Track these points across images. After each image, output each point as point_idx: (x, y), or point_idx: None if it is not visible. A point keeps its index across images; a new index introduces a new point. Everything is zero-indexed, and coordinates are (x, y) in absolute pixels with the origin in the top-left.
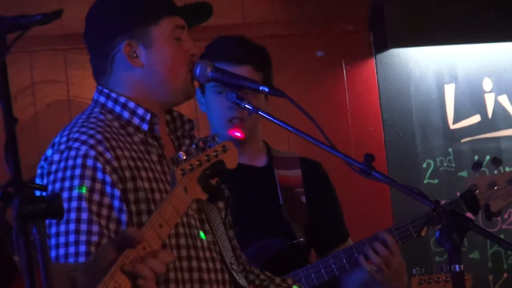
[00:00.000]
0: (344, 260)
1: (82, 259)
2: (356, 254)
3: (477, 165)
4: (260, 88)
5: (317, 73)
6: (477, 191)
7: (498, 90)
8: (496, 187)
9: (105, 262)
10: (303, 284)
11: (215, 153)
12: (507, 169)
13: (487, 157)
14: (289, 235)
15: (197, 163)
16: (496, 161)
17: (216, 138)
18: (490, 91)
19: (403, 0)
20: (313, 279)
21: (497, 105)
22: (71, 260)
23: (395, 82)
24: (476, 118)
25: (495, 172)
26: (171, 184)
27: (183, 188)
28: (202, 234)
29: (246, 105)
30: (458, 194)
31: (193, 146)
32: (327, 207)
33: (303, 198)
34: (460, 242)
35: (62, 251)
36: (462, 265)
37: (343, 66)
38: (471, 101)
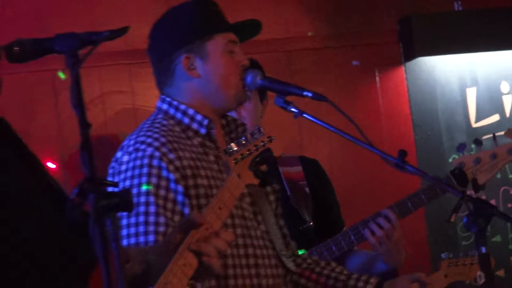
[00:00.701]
0: (352, 237)
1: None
2: (362, 230)
3: (461, 146)
4: (304, 93)
5: (353, 81)
6: (464, 168)
7: None
8: (481, 163)
9: (174, 243)
10: None
11: (262, 143)
12: None
13: None
14: (299, 221)
15: (247, 152)
16: (477, 142)
17: (262, 130)
18: (508, 93)
19: (428, 14)
20: (326, 255)
21: None
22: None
23: (422, 87)
24: (495, 117)
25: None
26: (226, 172)
27: (237, 175)
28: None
29: (292, 109)
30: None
31: (243, 138)
32: (326, 198)
33: (307, 189)
34: (485, 227)
35: (133, 240)
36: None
37: (376, 74)
38: (490, 102)
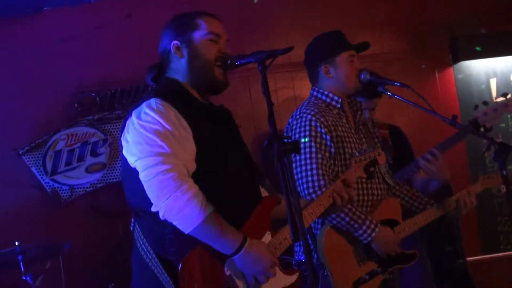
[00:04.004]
0: (413, 166)
1: (314, 171)
2: (418, 161)
3: (475, 107)
4: (395, 83)
5: (422, 76)
6: (478, 119)
7: None
8: (487, 115)
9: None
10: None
11: (373, 155)
12: None
13: None
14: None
15: (363, 158)
16: (485, 103)
17: (378, 145)
18: None
19: (466, 36)
20: (400, 179)
21: None
22: (309, 173)
23: (464, 79)
24: (508, 96)
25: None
26: (348, 167)
27: (354, 170)
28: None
29: (388, 93)
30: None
31: (368, 149)
32: (405, 147)
33: (390, 142)
34: (505, 158)
35: (303, 168)
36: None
37: (436, 73)
38: (504, 86)
